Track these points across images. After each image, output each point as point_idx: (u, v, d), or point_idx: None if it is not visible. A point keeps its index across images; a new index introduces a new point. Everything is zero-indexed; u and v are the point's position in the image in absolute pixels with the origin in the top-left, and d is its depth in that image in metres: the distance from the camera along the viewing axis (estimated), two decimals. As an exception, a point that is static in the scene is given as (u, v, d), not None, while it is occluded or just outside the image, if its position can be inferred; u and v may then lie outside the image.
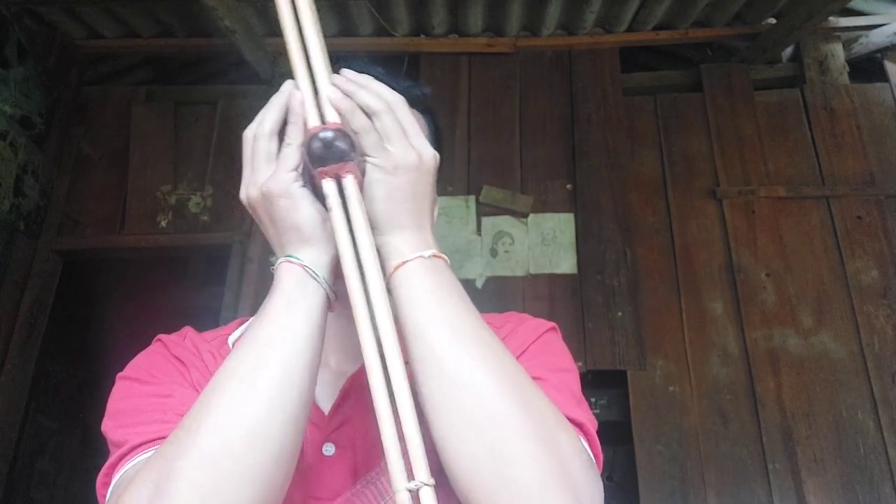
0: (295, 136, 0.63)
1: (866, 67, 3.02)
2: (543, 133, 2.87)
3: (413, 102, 0.80)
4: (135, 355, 0.82)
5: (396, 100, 0.65)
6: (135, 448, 0.65)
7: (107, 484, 0.66)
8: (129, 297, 3.65)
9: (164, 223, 2.80)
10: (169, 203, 2.83)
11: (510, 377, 0.60)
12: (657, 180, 2.79)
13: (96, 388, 3.36)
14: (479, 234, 2.70)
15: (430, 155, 0.65)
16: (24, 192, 2.73)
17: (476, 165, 2.81)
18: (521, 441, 0.56)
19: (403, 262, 0.62)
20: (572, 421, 0.66)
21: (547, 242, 2.67)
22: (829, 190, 2.71)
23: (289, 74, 0.65)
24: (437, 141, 0.85)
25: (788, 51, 3.04)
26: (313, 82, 0.63)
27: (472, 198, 2.74)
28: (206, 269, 3.90)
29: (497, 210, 2.72)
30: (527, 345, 0.76)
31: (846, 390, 2.41)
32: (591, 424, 0.71)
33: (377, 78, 0.78)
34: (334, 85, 0.63)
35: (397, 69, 3.06)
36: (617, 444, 2.45)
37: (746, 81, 2.94)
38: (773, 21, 2.92)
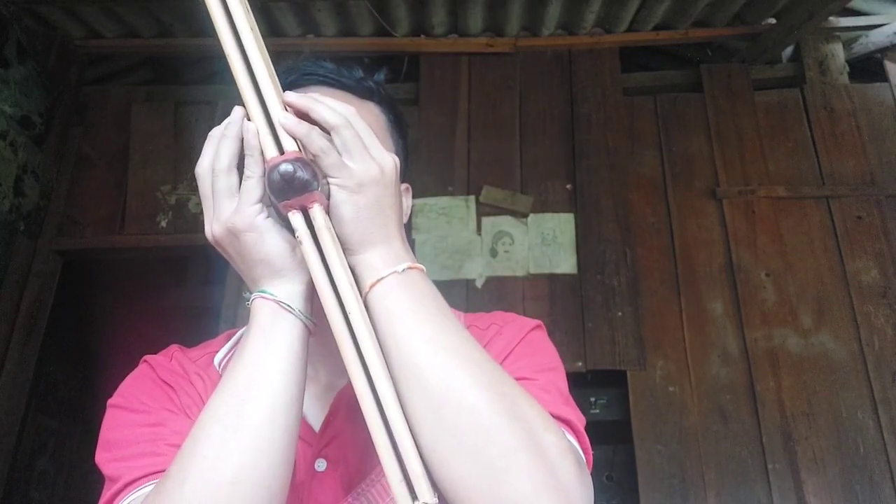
0: (254, 169, 0.62)
1: (866, 67, 3.02)
2: (543, 133, 2.87)
3: (368, 94, 0.80)
4: (134, 355, 0.82)
5: (351, 111, 0.64)
6: (128, 485, 0.65)
7: None
8: (129, 297, 3.65)
9: (164, 223, 2.80)
10: (169, 203, 2.83)
11: (492, 385, 0.59)
12: (657, 180, 2.79)
13: (97, 387, 3.37)
14: (479, 234, 2.70)
15: (391, 165, 0.64)
16: (24, 192, 2.73)
17: (476, 165, 2.81)
18: (511, 454, 0.56)
19: (378, 280, 0.62)
20: (560, 419, 0.66)
21: (547, 242, 2.67)
22: (829, 190, 2.71)
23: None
24: (398, 129, 0.84)
25: (788, 51, 3.04)
26: (264, 108, 0.61)
27: (472, 198, 2.74)
28: (206, 269, 3.90)
29: (497, 210, 2.72)
30: (512, 346, 0.76)
31: (846, 390, 2.41)
32: (580, 421, 0.70)
33: (326, 73, 0.78)
34: (287, 106, 0.62)
35: (397, 69, 3.07)
36: (617, 444, 2.45)
37: (746, 81, 2.94)
38: (773, 21, 2.92)
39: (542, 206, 2.73)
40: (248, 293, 0.66)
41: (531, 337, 0.79)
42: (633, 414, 2.42)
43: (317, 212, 0.60)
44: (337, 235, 0.62)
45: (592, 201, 2.72)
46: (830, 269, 2.59)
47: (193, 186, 2.84)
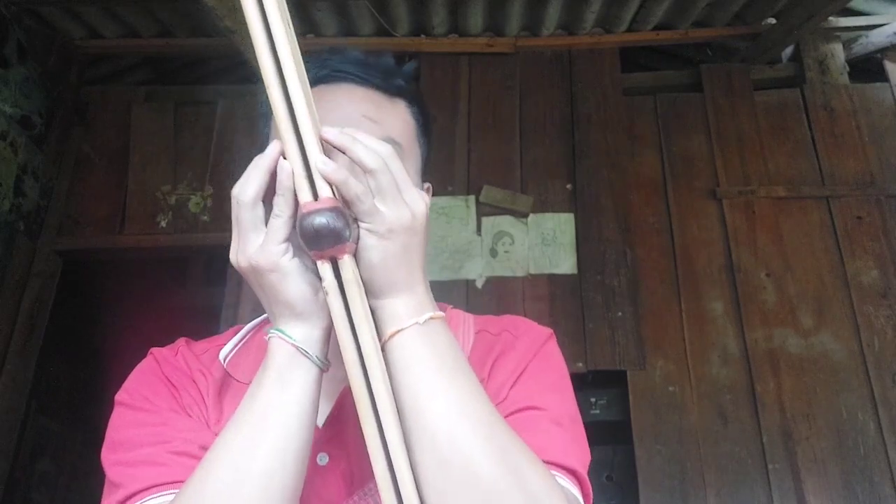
0: (284, 209, 0.61)
1: (866, 67, 3.02)
2: (543, 133, 2.87)
3: (397, 93, 0.79)
4: (134, 356, 0.83)
5: (388, 152, 0.62)
6: (129, 498, 0.67)
7: None
8: (128, 297, 3.65)
9: (164, 223, 2.80)
10: (169, 203, 2.83)
11: (500, 450, 0.60)
12: (657, 180, 2.79)
13: (97, 388, 3.37)
14: (479, 234, 2.70)
15: (423, 210, 0.64)
16: (24, 192, 2.73)
17: (476, 165, 2.81)
18: None
19: (399, 331, 0.62)
20: (565, 468, 0.68)
21: (547, 242, 2.67)
22: (829, 190, 2.71)
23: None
24: (425, 130, 0.83)
25: (788, 51, 3.04)
26: (301, 148, 0.59)
27: (472, 198, 2.74)
28: (206, 269, 3.90)
29: (497, 210, 2.72)
30: (525, 362, 0.77)
31: (846, 390, 2.41)
32: (583, 464, 0.71)
33: (357, 72, 0.77)
34: (324, 141, 0.60)
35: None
36: (617, 444, 2.45)
37: (746, 81, 2.94)
38: (773, 21, 2.92)
39: (542, 206, 2.73)
40: (268, 328, 0.66)
41: (544, 352, 0.79)
42: (633, 414, 2.42)
43: (347, 263, 0.60)
44: (361, 277, 0.61)
45: (592, 201, 2.72)
46: (830, 270, 2.59)
47: (194, 186, 2.84)
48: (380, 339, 0.62)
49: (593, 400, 2.49)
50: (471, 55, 3.01)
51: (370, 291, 0.62)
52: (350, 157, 0.61)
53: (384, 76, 0.79)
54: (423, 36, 3.02)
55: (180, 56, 3.34)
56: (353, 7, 2.83)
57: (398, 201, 0.61)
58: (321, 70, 0.76)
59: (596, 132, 2.84)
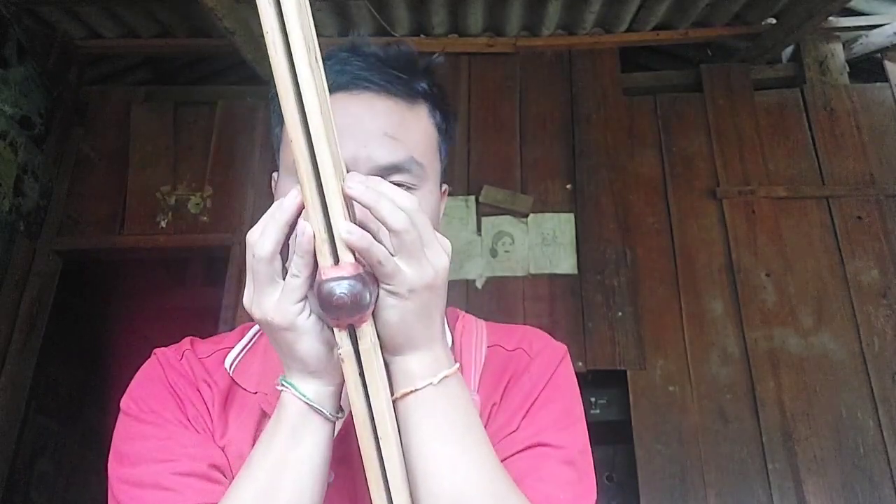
0: (303, 270, 0.58)
1: (866, 67, 3.02)
2: (543, 133, 2.87)
3: (419, 98, 0.76)
4: (134, 356, 0.82)
5: (413, 208, 0.58)
6: None
7: None
8: (128, 298, 3.65)
9: (163, 223, 2.80)
10: (169, 203, 2.83)
11: None
12: (657, 180, 2.79)
13: (97, 388, 3.37)
14: (479, 234, 2.70)
15: (444, 265, 0.61)
16: (24, 192, 2.73)
17: (476, 165, 2.81)
18: None
19: (413, 391, 0.61)
20: None
21: (547, 242, 2.67)
22: (829, 190, 2.71)
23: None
24: (446, 135, 0.80)
25: (788, 51, 3.04)
26: (325, 212, 0.55)
27: (472, 198, 2.74)
28: (206, 270, 3.90)
29: (497, 210, 2.72)
30: (540, 388, 0.76)
31: (846, 390, 2.41)
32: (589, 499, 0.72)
33: (378, 80, 0.73)
34: (348, 196, 0.57)
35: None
36: (617, 444, 2.45)
37: (746, 81, 2.94)
38: (773, 21, 2.92)
39: (542, 206, 2.73)
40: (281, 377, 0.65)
41: (558, 375, 0.78)
42: (633, 414, 2.42)
43: (365, 332, 0.58)
44: (377, 333, 0.60)
45: (592, 201, 2.72)
46: (830, 269, 2.59)
47: (193, 187, 2.84)
48: (391, 394, 0.61)
49: (593, 400, 2.49)
50: (471, 55, 3.01)
51: (385, 347, 0.60)
52: (375, 216, 0.57)
53: (406, 80, 0.75)
54: (422, 36, 3.02)
55: (180, 56, 3.35)
56: (353, 7, 2.83)
57: (421, 259, 0.59)
58: (341, 75, 0.72)
59: (596, 132, 2.84)
